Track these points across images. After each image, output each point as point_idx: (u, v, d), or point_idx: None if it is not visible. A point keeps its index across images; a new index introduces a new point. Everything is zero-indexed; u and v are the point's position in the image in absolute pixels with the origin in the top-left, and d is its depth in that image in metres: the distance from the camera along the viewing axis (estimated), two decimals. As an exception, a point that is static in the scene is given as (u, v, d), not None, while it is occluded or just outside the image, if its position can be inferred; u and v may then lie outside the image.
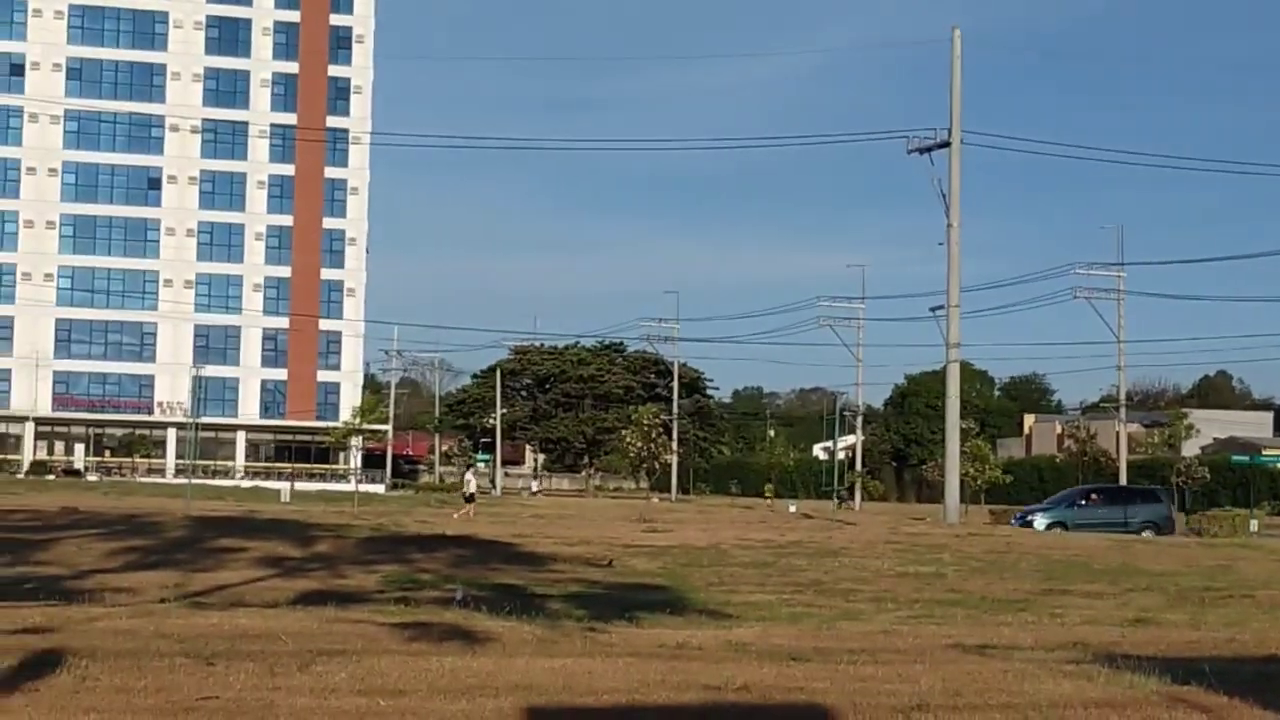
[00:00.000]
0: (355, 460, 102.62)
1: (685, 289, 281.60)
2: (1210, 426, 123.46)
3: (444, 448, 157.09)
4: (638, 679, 12.58)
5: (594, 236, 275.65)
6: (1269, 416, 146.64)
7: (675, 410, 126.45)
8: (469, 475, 71.46)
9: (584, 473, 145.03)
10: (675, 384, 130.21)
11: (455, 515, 57.47)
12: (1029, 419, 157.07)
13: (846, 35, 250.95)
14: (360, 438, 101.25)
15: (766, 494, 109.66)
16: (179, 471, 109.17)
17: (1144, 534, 58.36)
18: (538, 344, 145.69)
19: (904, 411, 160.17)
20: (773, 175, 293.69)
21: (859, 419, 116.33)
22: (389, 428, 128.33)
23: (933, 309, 68.98)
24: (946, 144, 63.38)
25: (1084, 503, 64.54)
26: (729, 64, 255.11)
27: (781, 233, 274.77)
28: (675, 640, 16.10)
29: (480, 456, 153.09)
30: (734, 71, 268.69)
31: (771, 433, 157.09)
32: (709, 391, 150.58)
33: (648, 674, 12.88)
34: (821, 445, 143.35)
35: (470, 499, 63.44)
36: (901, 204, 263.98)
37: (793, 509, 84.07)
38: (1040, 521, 61.31)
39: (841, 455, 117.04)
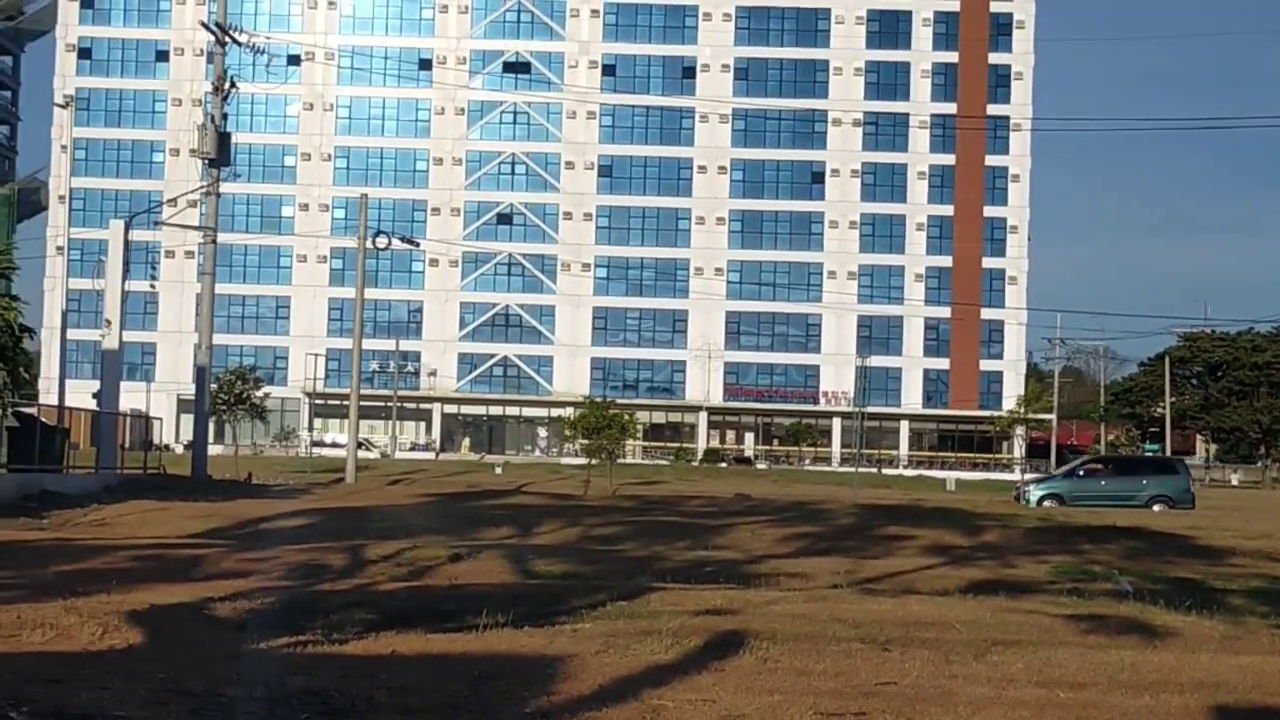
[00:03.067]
0: (1020, 450, 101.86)
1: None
2: None
3: (1109, 437, 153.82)
4: (1334, 680, 11.95)
5: (1269, 217, 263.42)
6: None
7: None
8: None
9: (1260, 463, 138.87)
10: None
11: None
12: None
13: None
14: (1024, 427, 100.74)
15: None
16: (844, 460, 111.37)
17: (1155, 509, 51.98)
18: (1209, 330, 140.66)
19: None
20: None
21: None
22: (1053, 416, 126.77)
23: None
24: None
25: (1084, 473, 58.05)
26: None
27: None
28: (1373, 641, 15.20)
29: (1149, 446, 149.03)
30: None
31: None
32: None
33: (1344, 676, 12.21)
34: None
35: None
36: None
37: None
38: (1035, 494, 55.51)
39: None
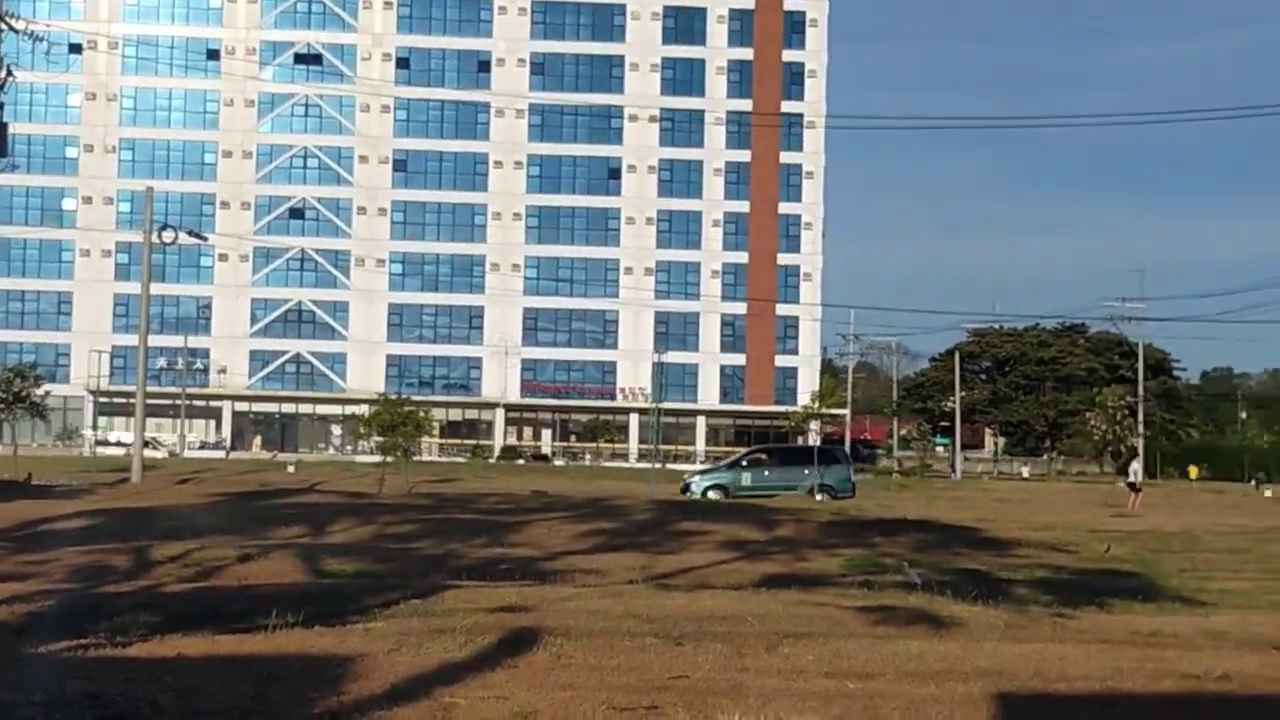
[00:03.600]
0: (814, 444, 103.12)
1: (1151, 267, 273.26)
2: None
3: (902, 431, 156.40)
4: (1110, 666, 12.22)
5: (1055, 216, 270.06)
6: None
7: (1140, 392, 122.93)
8: (1136, 465, 68.60)
9: (1045, 456, 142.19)
10: (1140, 365, 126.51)
11: (1128, 509, 55.89)
12: None
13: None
14: (818, 422, 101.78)
15: (1191, 474, 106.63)
16: (641, 456, 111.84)
17: (819, 499, 52.89)
18: (997, 326, 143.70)
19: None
20: (1242, 148, 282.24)
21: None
22: (847, 412, 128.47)
23: None
24: None
25: (748, 464, 58.50)
26: (1185, 37, 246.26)
27: (1255, 208, 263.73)
28: (1148, 627, 15.61)
29: (939, 440, 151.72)
30: (1192, 43, 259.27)
31: (1243, 414, 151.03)
32: (1175, 372, 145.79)
33: (1121, 661, 12.50)
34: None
35: (1135, 489, 62.78)
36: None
37: (1268, 494, 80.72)
38: (698, 486, 55.81)
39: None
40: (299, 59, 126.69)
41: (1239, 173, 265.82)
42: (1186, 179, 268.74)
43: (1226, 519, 46.95)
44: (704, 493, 54.79)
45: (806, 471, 56.77)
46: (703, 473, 60.16)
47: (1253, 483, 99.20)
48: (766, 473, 56.95)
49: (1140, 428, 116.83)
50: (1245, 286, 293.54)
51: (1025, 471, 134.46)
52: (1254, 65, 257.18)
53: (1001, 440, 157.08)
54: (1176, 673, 12.00)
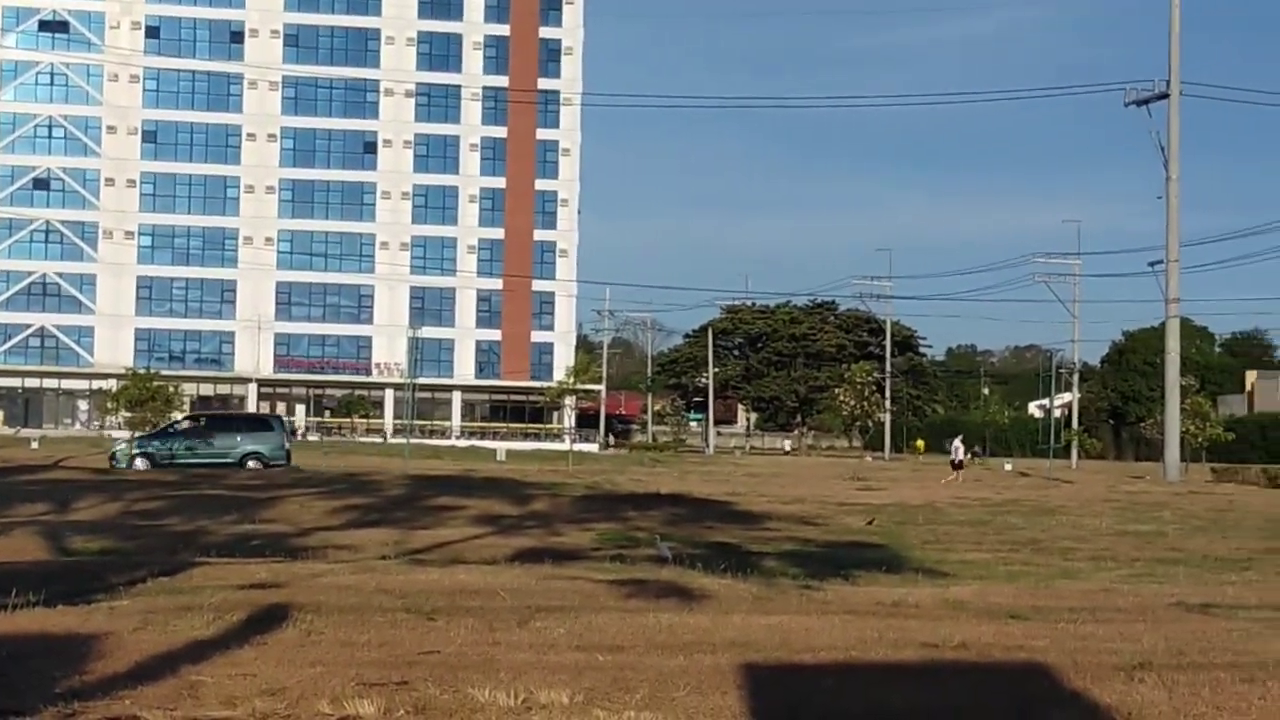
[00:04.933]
0: (569, 420, 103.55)
1: (898, 246, 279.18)
2: None
3: (656, 407, 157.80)
4: (855, 636, 12.52)
5: (806, 195, 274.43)
6: None
7: (888, 368, 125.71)
8: (957, 443, 71.44)
9: (796, 431, 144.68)
10: (888, 342, 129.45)
11: (943, 481, 59.10)
12: (1251, 375, 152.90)
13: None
14: (574, 397, 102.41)
15: (917, 449, 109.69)
16: (397, 431, 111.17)
17: (249, 465, 52.89)
18: (749, 303, 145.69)
19: (1121, 369, 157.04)
20: (989, 131, 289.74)
21: (1075, 376, 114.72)
22: (602, 387, 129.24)
23: (1151, 264, 67.23)
24: (1165, 96, 62.25)
25: (178, 432, 57.07)
26: (944, 19, 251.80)
27: (997, 189, 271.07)
28: (891, 598, 16.00)
29: (693, 415, 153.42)
30: (949, 27, 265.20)
31: (986, 390, 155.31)
32: (922, 350, 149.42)
33: (865, 631, 12.81)
34: (1037, 403, 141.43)
35: (958, 465, 65.02)
36: (1121, 158, 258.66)
37: (1008, 467, 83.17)
38: (123, 454, 53.95)
39: (1058, 413, 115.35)
40: (44, 25, 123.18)
41: (987, 155, 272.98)
42: (936, 160, 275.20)
43: (969, 492, 48.26)
44: (130, 461, 52.70)
45: (239, 439, 55.41)
46: (133, 441, 57.63)
47: (970, 455, 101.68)
48: (197, 441, 54.96)
49: (887, 403, 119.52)
50: (989, 265, 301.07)
51: (787, 445, 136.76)
52: (1005, 51, 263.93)
53: (754, 415, 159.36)
54: (917, 642, 12.34)
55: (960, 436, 76.78)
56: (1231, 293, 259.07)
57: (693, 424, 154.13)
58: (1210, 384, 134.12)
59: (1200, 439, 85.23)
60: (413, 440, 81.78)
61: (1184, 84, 62.69)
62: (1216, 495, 46.30)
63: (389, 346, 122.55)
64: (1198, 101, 65.41)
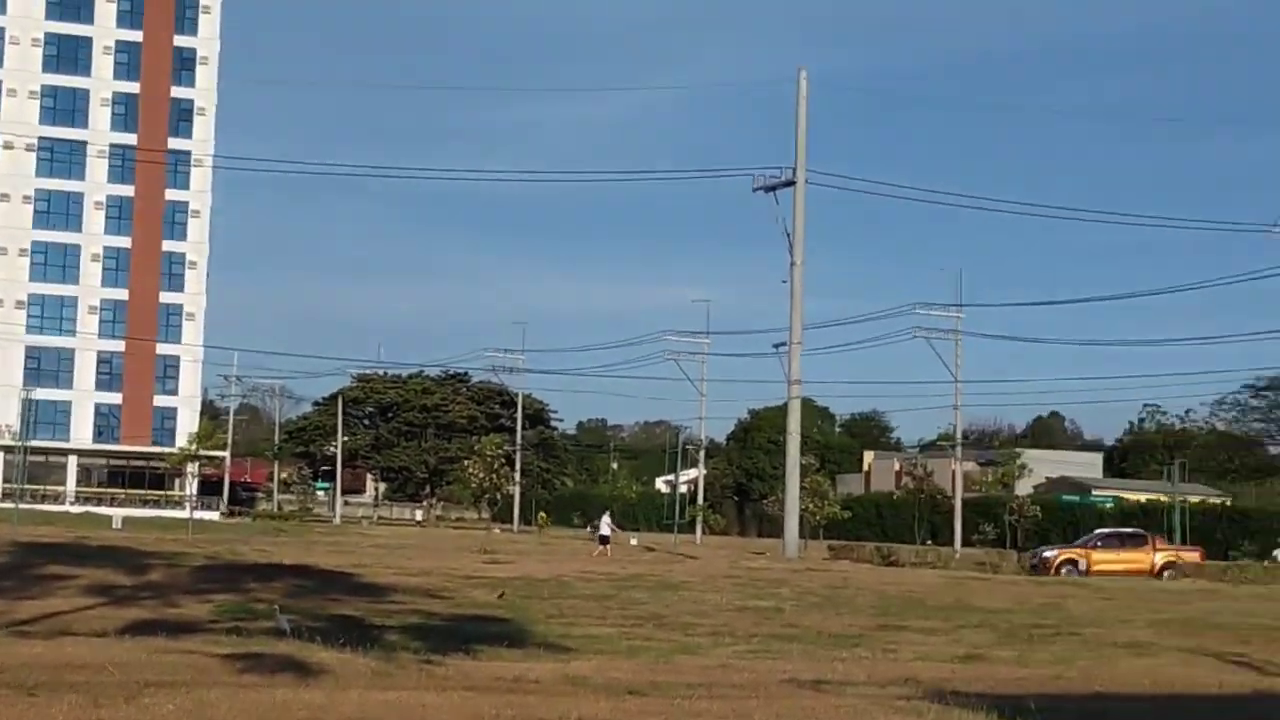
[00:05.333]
0: (191, 487, 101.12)
1: (532, 320, 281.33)
2: (1042, 466, 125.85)
3: (283, 475, 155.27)
4: (472, 713, 12.45)
5: (441, 266, 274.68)
6: (1099, 457, 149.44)
7: (519, 441, 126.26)
8: (605, 518, 71.84)
9: (425, 502, 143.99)
10: (519, 415, 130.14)
11: (594, 554, 59.82)
12: (868, 456, 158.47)
13: (703, 73, 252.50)
14: (197, 464, 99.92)
15: (541, 523, 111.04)
16: (6, 495, 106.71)
17: None
18: (381, 372, 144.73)
19: (746, 446, 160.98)
20: (622, 210, 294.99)
21: (701, 453, 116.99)
22: (227, 454, 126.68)
23: (775, 345, 68.77)
24: (791, 183, 64.07)
25: None
26: (582, 100, 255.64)
27: (630, 267, 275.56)
28: (513, 673, 15.99)
29: (321, 485, 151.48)
30: (587, 106, 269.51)
31: (615, 465, 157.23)
32: (553, 423, 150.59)
33: (483, 708, 12.75)
34: (664, 478, 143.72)
35: (604, 540, 66.01)
36: (752, 240, 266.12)
37: (634, 542, 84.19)
38: None
39: (684, 489, 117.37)
40: None
41: (623, 233, 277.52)
42: (573, 237, 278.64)
43: (595, 566, 48.66)
44: None
45: None
46: None
47: (588, 528, 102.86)
48: None
49: (517, 476, 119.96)
50: (622, 342, 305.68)
51: (419, 515, 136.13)
52: (641, 132, 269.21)
53: (383, 485, 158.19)
54: (535, 718, 12.33)
55: (609, 512, 77.74)
56: (852, 375, 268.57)
57: (320, 493, 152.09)
58: (830, 463, 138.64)
59: (819, 517, 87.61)
60: (23, 506, 78.77)
61: (809, 172, 64.79)
62: (832, 572, 47.63)
63: (2, 407, 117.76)
64: (823, 190, 67.56)
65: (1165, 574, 58.96)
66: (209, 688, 13.23)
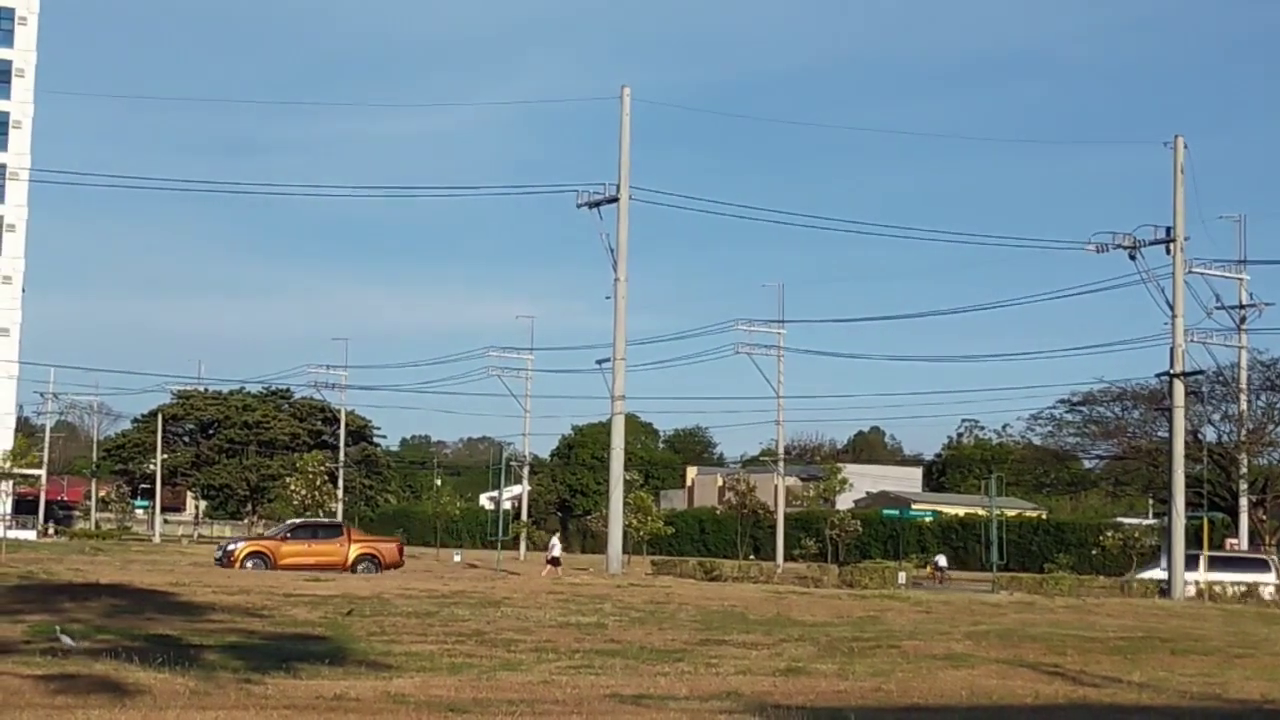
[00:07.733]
0: (5, 505, 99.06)
1: (356, 337, 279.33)
2: (863, 481, 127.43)
3: (101, 493, 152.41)
4: (291, 732, 12.43)
5: (263, 282, 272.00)
6: (918, 472, 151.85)
7: (342, 458, 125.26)
8: (554, 540, 72.76)
9: (246, 520, 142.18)
10: (342, 431, 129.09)
11: (544, 574, 60.28)
12: (691, 471, 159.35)
13: (533, 89, 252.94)
14: (11, 482, 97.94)
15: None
16: None
17: None
18: (202, 389, 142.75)
19: (570, 462, 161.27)
20: (446, 226, 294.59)
21: (525, 469, 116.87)
22: (43, 472, 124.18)
23: (599, 361, 68.72)
24: (615, 199, 64.40)
25: None
26: (406, 115, 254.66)
27: (453, 283, 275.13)
28: (333, 691, 15.94)
29: (139, 503, 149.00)
30: (412, 122, 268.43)
31: (439, 481, 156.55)
32: (377, 439, 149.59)
33: (302, 727, 12.73)
34: (488, 495, 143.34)
35: (555, 561, 66.41)
36: (577, 256, 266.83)
37: (457, 558, 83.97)
38: None
39: (508, 505, 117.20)
40: None
41: (446, 248, 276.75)
42: (395, 252, 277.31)
43: (417, 583, 48.43)
44: None
45: None
46: None
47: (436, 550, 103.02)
48: None
49: (340, 493, 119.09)
50: (446, 358, 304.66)
51: (230, 531, 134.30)
52: (467, 147, 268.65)
53: (204, 503, 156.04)
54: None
55: (558, 534, 78.45)
56: (675, 391, 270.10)
57: (140, 511, 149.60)
58: (654, 479, 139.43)
59: (642, 532, 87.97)
60: None
61: (633, 189, 65.13)
62: (655, 588, 47.84)
63: None
64: (647, 206, 67.91)
65: (360, 567, 57.93)
66: (20, 710, 13.06)
